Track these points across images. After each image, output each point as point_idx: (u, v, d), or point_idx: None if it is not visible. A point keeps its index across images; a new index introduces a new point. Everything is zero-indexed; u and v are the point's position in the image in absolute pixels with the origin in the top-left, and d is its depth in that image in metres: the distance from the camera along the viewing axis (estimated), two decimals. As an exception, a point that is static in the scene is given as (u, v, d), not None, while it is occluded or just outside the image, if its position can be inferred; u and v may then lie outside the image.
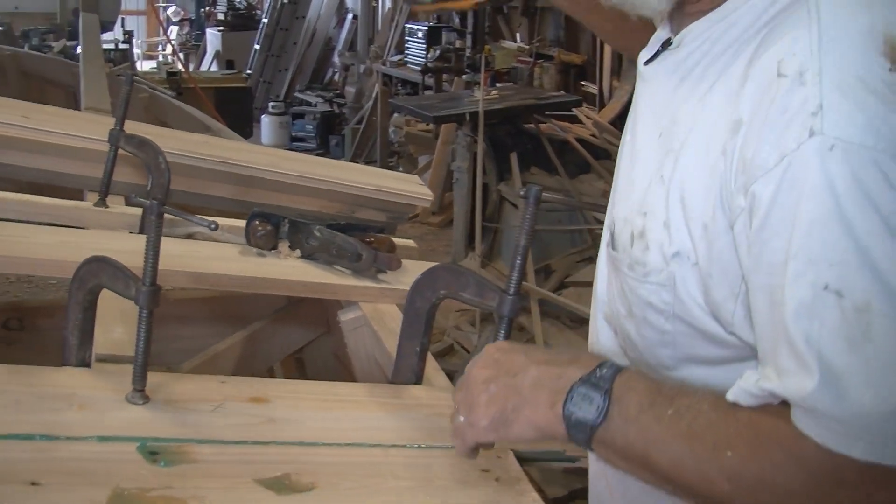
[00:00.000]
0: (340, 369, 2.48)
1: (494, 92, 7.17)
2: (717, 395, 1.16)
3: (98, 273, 1.53)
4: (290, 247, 2.22)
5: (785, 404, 1.11)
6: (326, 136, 11.27)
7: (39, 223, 2.21)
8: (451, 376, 1.94)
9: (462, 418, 1.32)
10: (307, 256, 2.21)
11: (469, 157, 6.48)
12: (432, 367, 1.85)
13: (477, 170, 6.18)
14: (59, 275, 1.91)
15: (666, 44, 1.37)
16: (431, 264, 1.74)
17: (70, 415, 1.44)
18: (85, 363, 1.60)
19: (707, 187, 1.21)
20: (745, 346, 1.24)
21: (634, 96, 1.48)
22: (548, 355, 1.28)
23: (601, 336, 1.53)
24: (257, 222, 2.18)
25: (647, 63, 1.41)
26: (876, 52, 1.10)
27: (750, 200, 1.12)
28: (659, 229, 1.29)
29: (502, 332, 1.48)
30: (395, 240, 2.41)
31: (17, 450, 1.33)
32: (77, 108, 3.69)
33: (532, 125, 6.80)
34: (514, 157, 6.35)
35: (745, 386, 1.13)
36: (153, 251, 1.43)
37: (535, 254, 5.81)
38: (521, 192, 1.42)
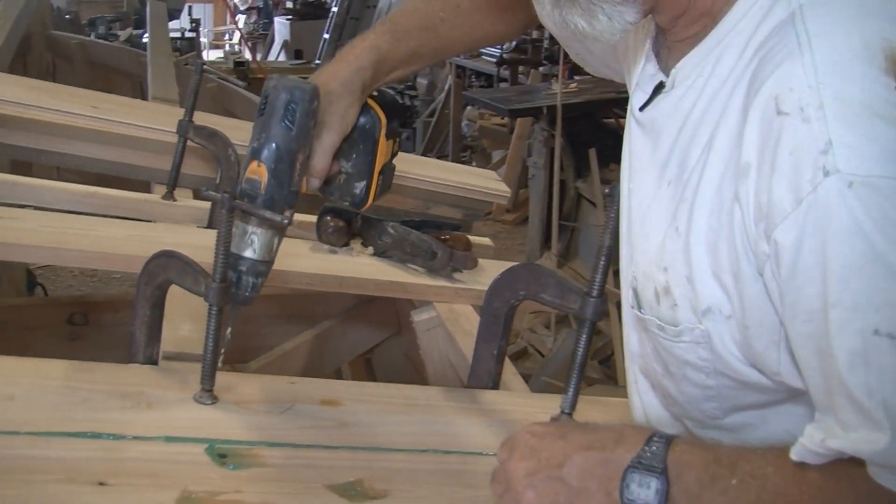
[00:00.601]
0: (411, 371, 2.48)
1: (573, 85, 7.13)
2: (780, 454, 1.11)
3: (167, 268, 1.55)
4: (362, 244, 2.23)
5: (855, 458, 1.06)
6: (403, 120, 11.32)
7: (106, 216, 2.25)
8: (526, 380, 1.93)
9: None
10: (380, 254, 2.21)
11: (546, 152, 6.46)
12: (510, 371, 1.84)
13: (554, 166, 6.16)
14: (127, 269, 1.94)
15: (659, 87, 1.35)
16: (509, 264, 1.73)
17: (138, 414, 1.45)
18: (152, 360, 1.62)
19: (729, 236, 1.18)
20: (794, 388, 1.21)
21: (627, 142, 1.43)
22: (589, 436, 1.23)
23: (640, 387, 1.49)
24: (329, 218, 2.19)
25: (642, 108, 1.38)
26: (877, 71, 1.06)
27: (773, 248, 1.09)
28: (683, 284, 1.25)
29: (584, 336, 1.47)
30: (471, 238, 2.41)
31: (85, 448, 1.34)
32: (144, 97, 3.74)
33: (612, 119, 6.76)
34: (592, 153, 6.31)
35: (809, 445, 1.08)
36: (223, 246, 1.44)
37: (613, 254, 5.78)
38: (607, 191, 1.40)
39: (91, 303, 2.89)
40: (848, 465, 1.06)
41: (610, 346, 5.31)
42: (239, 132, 2.42)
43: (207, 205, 2.36)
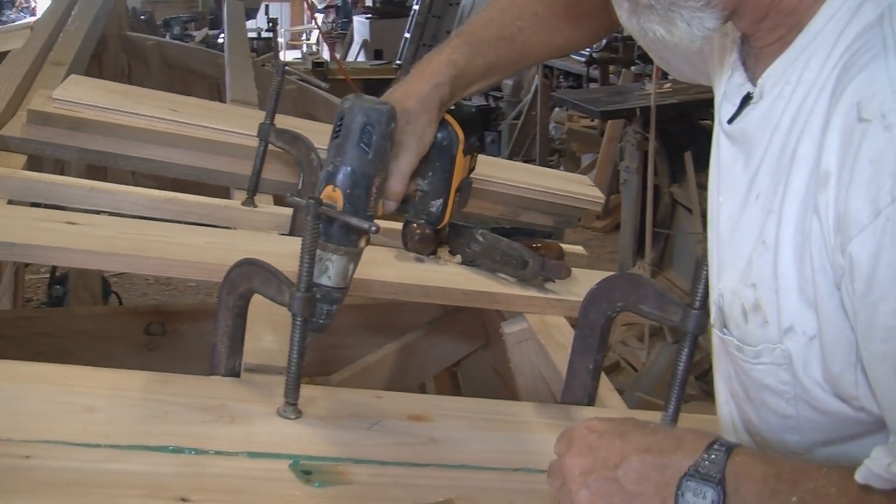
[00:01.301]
0: (500, 386, 2.48)
1: (667, 85, 7.06)
2: (845, 475, 1.10)
3: (250, 277, 1.56)
4: (449, 252, 2.23)
5: None
6: (482, 133, 11.31)
7: (184, 222, 2.28)
8: (620, 394, 1.92)
9: None
10: (468, 263, 2.21)
11: (639, 156, 6.41)
12: (606, 386, 1.83)
13: (647, 170, 6.11)
14: (206, 278, 1.97)
15: (746, 98, 1.33)
16: (604, 273, 1.72)
17: (220, 428, 1.47)
18: (234, 373, 1.64)
19: (808, 248, 1.17)
20: (877, 417, 1.18)
21: (715, 154, 1.42)
22: (648, 438, 1.23)
23: (731, 409, 1.46)
24: (415, 225, 2.20)
25: (730, 121, 1.36)
26: None
27: (849, 261, 1.08)
28: (773, 300, 1.24)
29: (685, 350, 1.46)
30: (564, 246, 2.40)
31: (166, 463, 1.36)
32: (221, 100, 3.80)
33: (709, 121, 6.69)
34: (688, 157, 6.25)
35: (875, 469, 1.06)
36: (308, 255, 1.45)
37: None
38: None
39: (169, 312, 2.92)
40: None
41: (707, 360, 5.24)
42: (321, 136, 2.43)
43: (289, 211, 2.37)
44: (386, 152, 1.51)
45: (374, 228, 1.44)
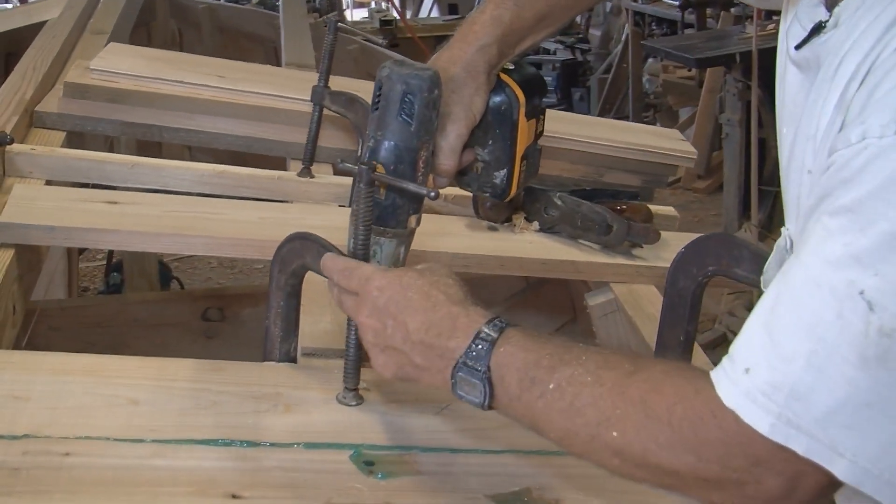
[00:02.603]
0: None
1: (771, 26, 6.93)
2: (600, 363, 1.22)
3: (302, 253, 1.56)
4: (526, 218, 2.21)
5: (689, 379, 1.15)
6: (569, 89, 11.19)
7: (238, 197, 2.28)
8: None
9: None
10: (547, 229, 2.19)
11: (741, 106, 6.32)
12: (701, 360, 1.80)
13: (752, 122, 6.02)
14: (260, 256, 1.98)
15: (818, 27, 1.30)
16: (693, 235, 1.69)
17: (275, 418, 1.48)
18: (290, 358, 1.64)
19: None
20: None
21: (781, 84, 1.40)
22: (428, 316, 1.34)
23: None
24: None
25: (798, 47, 1.33)
26: None
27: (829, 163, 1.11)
28: None
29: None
30: (653, 208, 2.37)
31: (215, 457, 1.37)
32: (279, 64, 3.81)
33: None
34: (797, 105, 6.16)
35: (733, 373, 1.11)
36: (363, 225, 1.45)
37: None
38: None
39: (228, 296, 2.96)
40: (677, 386, 1.16)
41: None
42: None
43: (349, 181, 2.37)
44: (431, 122, 1.49)
45: (432, 194, 1.42)
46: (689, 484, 1.16)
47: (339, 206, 2.33)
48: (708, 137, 7.82)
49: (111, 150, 2.86)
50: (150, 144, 3.05)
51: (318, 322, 1.80)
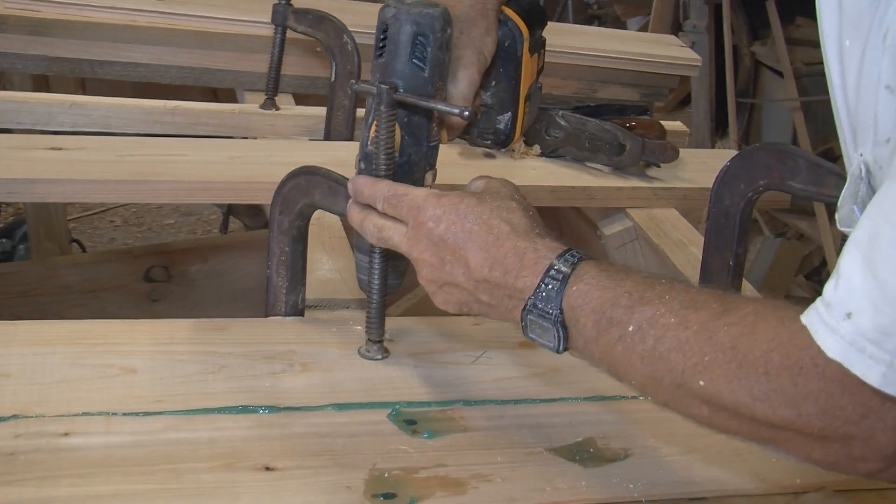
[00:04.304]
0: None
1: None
2: (685, 302, 1.21)
3: (308, 190, 1.54)
4: (525, 142, 2.20)
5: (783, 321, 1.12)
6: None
7: (196, 136, 2.25)
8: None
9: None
10: (550, 153, 2.19)
11: (708, 10, 6.34)
12: (749, 289, 1.81)
13: (724, 27, 6.04)
14: (237, 199, 1.95)
15: None
16: (717, 153, 1.69)
17: (293, 379, 1.46)
18: (297, 311, 1.62)
19: None
20: None
21: None
22: (492, 252, 1.33)
23: None
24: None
25: None
26: None
27: None
28: None
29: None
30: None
31: (237, 426, 1.35)
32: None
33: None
34: (771, 6, 6.16)
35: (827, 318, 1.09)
36: (385, 154, 1.42)
37: (811, 134, 5.67)
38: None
39: (172, 252, 2.91)
40: (775, 328, 1.13)
41: (818, 256, 5.23)
42: (353, 16, 2.40)
43: (319, 111, 2.35)
44: (444, 65, 1.47)
45: (466, 112, 1.41)
46: (789, 439, 1.14)
47: (310, 140, 2.31)
48: (667, 48, 7.82)
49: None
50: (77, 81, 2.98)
51: (315, 270, 1.78)
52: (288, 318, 1.62)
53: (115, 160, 2.01)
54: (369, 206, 1.43)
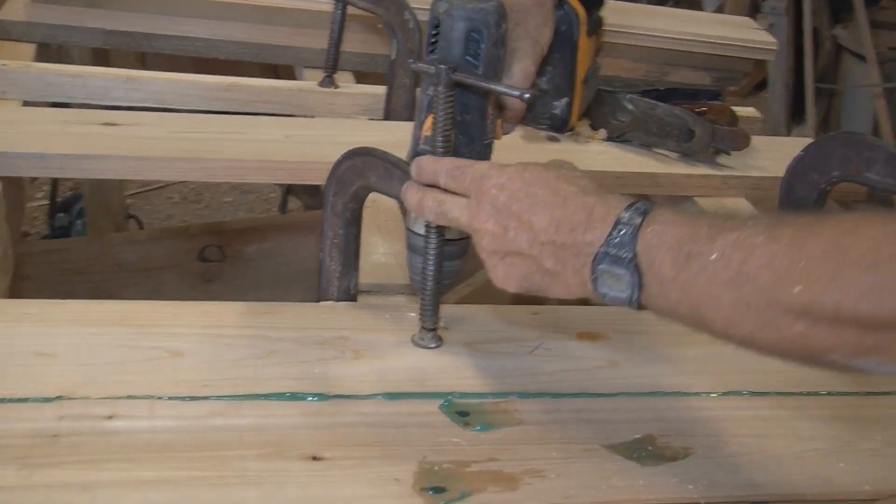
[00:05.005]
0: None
1: None
2: (773, 222, 1.17)
3: (363, 171, 1.54)
4: (591, 126, 2.19)
5: None
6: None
7: (252, 113, 2.26)
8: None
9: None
10: (616, 138, 2.17)
11: (788, -9, 6.30)
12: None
13: (804, 7, 5.99)
14: (292, 179, 1.95)
15: None
16: (790, 140, 1.68)
17: (344, 366, 1.46)
18: (350, 296, 1.63)
19: None
20: None
21: None
22: (557, 211, 1.31)
23: None
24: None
25: None
26: None
27: None
28: None
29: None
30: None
31: (285, 414, 1.35)
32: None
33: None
34: (855, -13, 6.13)
35: None
36: (443, 136, 1.42)
37: (895, 122, 5.60)
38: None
39: (227, 231, 2.93)
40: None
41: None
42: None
43: (378, 90, 2.35)
44: (499, 61, 1.47)
45: (527, 95, 1.40)
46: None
47: (369, 120, 2.31)
48: (743, 30, 7.76)
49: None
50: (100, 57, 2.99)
51: (370, 254, 1.78)
52: (340, 304, 1.62)
53: (168, 136, 2.02)
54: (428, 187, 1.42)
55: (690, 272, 1.19)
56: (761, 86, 7.10)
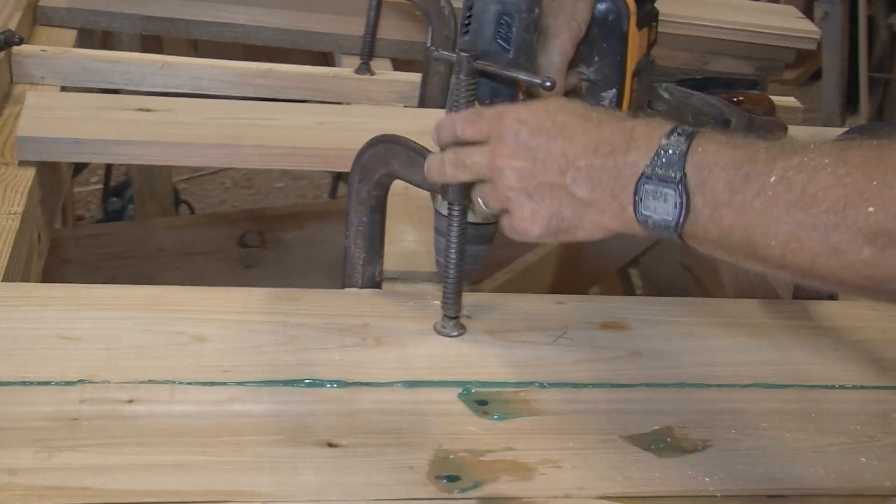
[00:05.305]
0: (691, 285, 2.44)
1: None
2: (840, 146, 1.10)
3: (387, 159, 1.54)
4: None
5: None
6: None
7: (287, 100, 2.27)
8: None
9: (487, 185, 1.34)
10: (652, 127, 2.16)
11: (843, -20, 6.26)
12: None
13: (858, -3, 5.96)
14: (322, 166, 1.96)
15: None
16: (829, 130, 1.67)
17: (365, 353, 1.47)
18: (374, 283, 1.63)
19: None
20: None
21: None
22: (594, 134, 1.26)
23: None
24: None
25: None
26: None
27: None
28: None
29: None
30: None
31: (302, 400, 1.36)
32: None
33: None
34: (910, -24, 6.09)
35: None
36: (465, 124, 1.42)
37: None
38: None
39: (267, 218, 2.94)
40: None
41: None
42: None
43: (414, 77, 2.35)
44: (531, 46, 1.46)
45: (548, 83, 1.39)
46: None
47: (404, 107, 2.31)
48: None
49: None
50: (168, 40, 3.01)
51: (398, 241, 1.79)
52: (364, 291, 1.62)
53: (202, 122, 2.04)
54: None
55: (747, 194, 1.13)
56: (817, 75, 7.06)
